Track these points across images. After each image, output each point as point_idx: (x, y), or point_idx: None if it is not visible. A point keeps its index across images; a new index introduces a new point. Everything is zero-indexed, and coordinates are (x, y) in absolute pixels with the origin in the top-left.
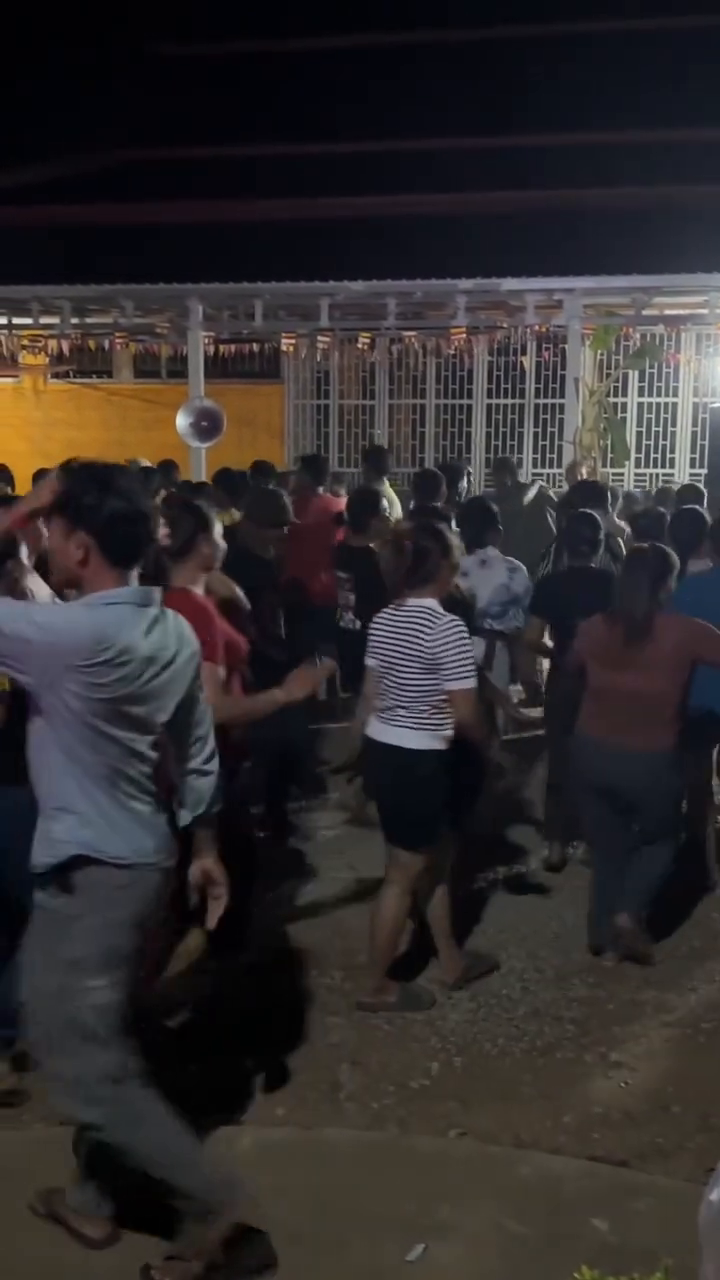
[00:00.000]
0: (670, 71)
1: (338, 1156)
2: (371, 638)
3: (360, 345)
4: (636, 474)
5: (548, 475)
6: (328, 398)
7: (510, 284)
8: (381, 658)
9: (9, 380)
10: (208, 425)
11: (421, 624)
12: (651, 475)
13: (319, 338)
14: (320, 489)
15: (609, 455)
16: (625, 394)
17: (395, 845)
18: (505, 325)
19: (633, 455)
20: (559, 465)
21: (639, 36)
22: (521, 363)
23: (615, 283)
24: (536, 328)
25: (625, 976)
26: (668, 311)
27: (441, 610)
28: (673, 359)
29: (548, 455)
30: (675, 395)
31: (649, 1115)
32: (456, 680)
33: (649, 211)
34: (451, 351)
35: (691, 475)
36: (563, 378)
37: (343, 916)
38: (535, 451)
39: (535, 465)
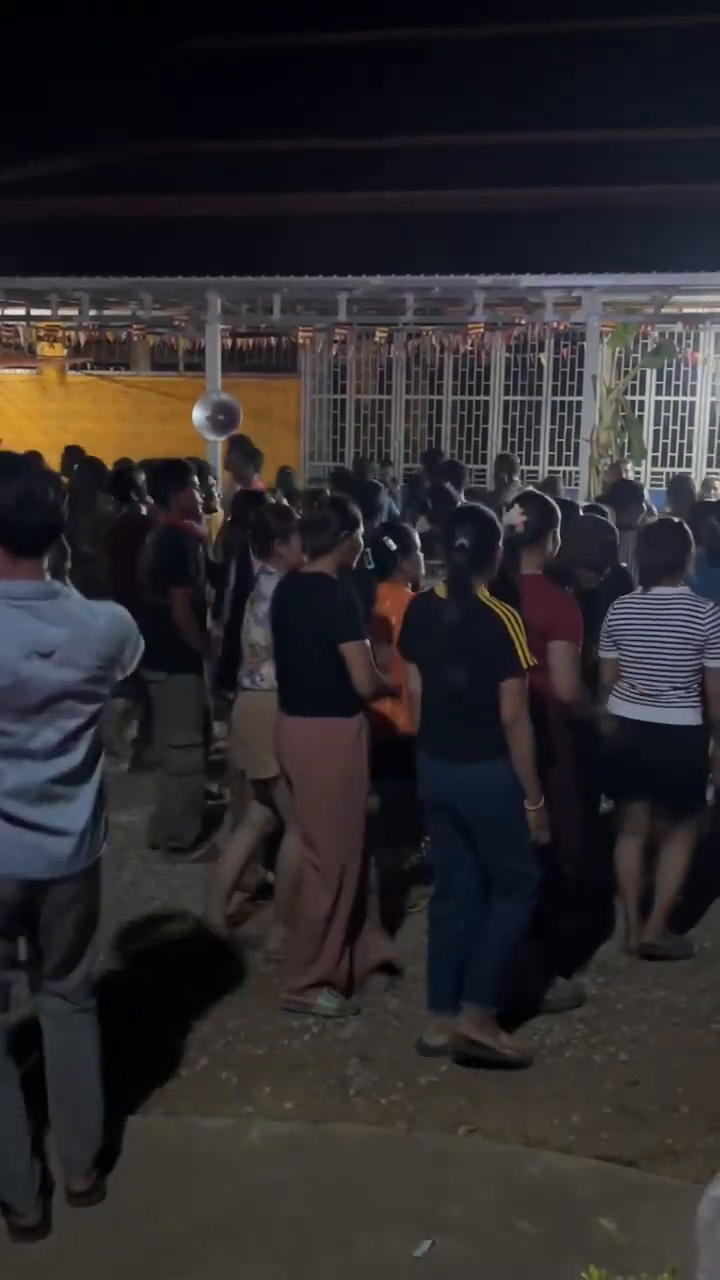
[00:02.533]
0: (693, 69)
1: (346, 1151)
2: (617, 625)
3: (377, 340)
4: (653, 472)
5: (564, 473)
6: (344, 392)
7: (529, 281)
8: (637, 643)
9: (27, 372)
10: (224, 419)
11: (690, 610)
12: (667, 474)
13: (336, 332)
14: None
15: (625, 453)
16: (643, 392)
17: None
18: (523, 322)
19: (649, 454)
20: (575, 463)
21: (663, 33)
22: (539, 360)
23: (635, 280)
24: (555, 325)
25: (636, 976)
26: (686, 310)
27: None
28: (691, 358)
29: (564, 453)
30: (693, 394)
31: (658, 1116)
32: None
33: (669, 209)
34: (469, 347)
35: (709, 474)
36: (580, 375)
37: None
38: (552, 449)
39: (551, 463)
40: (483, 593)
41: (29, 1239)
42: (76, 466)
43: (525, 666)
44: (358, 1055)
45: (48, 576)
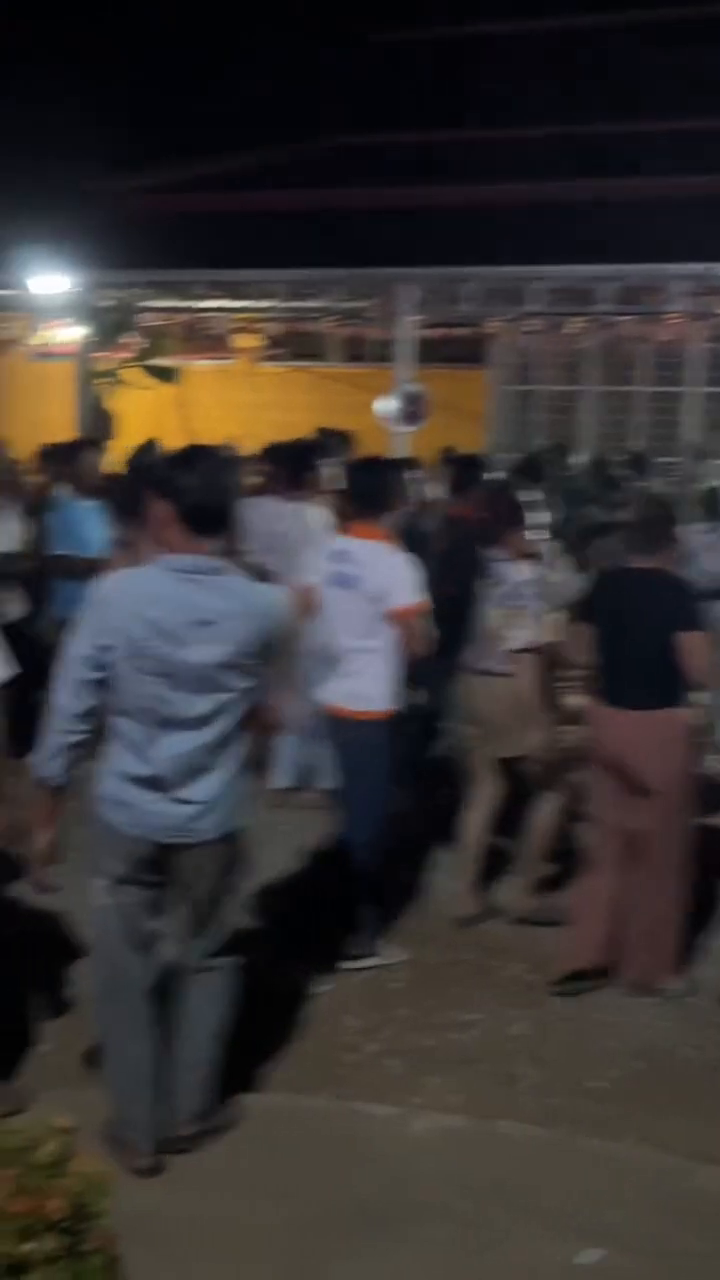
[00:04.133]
0: None
1: (510, 1150)
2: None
3: (569, 330)
4: None
5: None
6: (532, 383)
7: None
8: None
9: (222, 362)
10: (412, 410)
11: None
12: None
13: (527, 322)
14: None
15: None
16: None
17: None
18: None
19: None
20: None
21: None
22: None
23: None
24: None
25: None
26: None
27: None
28: None
29: None
30: None
31: None
32: None
33: None
34: (666, 338)
35: None
36: None
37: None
38: None
39: None
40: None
41: (140, 1176)
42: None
43: None
44: (526, 1054)
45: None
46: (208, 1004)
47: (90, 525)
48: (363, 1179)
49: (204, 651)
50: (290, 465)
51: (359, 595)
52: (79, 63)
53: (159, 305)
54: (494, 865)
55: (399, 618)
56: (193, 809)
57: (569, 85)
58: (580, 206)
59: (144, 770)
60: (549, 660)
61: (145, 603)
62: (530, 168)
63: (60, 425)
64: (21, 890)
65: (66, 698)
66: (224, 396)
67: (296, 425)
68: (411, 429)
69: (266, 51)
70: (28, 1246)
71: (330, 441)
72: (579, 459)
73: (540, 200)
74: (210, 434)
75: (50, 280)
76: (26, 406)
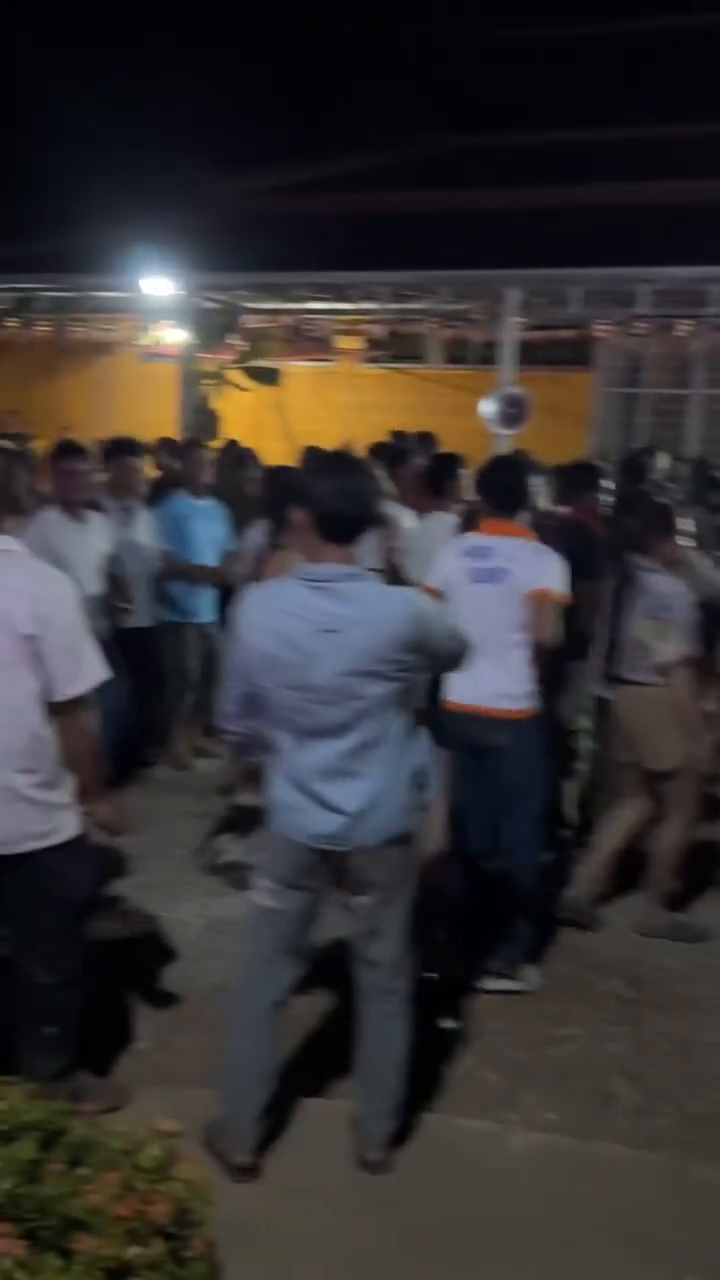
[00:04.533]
0: None
1: (608, 1172)
2: None
3: (679, 333)
4: None
5: None
6: (638, 386)
7: None
8: None
9: (324, 364)
10: (514, 412)
11: None
12: None
13: (635, 325)
14: None
15: None
16: None
17: None
18: None
19: None
20: None
21: None
22: None
23: None
24: None
25: None
26: None
27: None
28: None
29: None
30: None
31: None
32: None
33: None
34: None
35: None
36: None
37: (620, 922)
38: None
39: None
40: None
41: (237, 1177)
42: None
43: None
44: (623, 1073)
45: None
46: (390, 1030)
47: (205, 525)
48: (460, 1194)
49: (333, 661)
50: (432, 473)
51: (507, 589)
52: (193, 67)
53: (263, 307)
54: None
55: (536, 599)
56: (345, 817)
57: (683, 85)
58: (690, 208)
59: (295, 777)
60: (699, 671)
61: (278, 615)
62: (641, 169)
63: (164, 425)
64: (124, 888)
65: (228, 704)
66: (324, 398)
67: (396, 427)
68: (512, 431)
69: (379, 50)
70: (133, 1251)
71: (410, 444)
72: (674, 462)
73: (650, 201)
74: (309, 436)
75: (159, 282)
76: (132, 406)
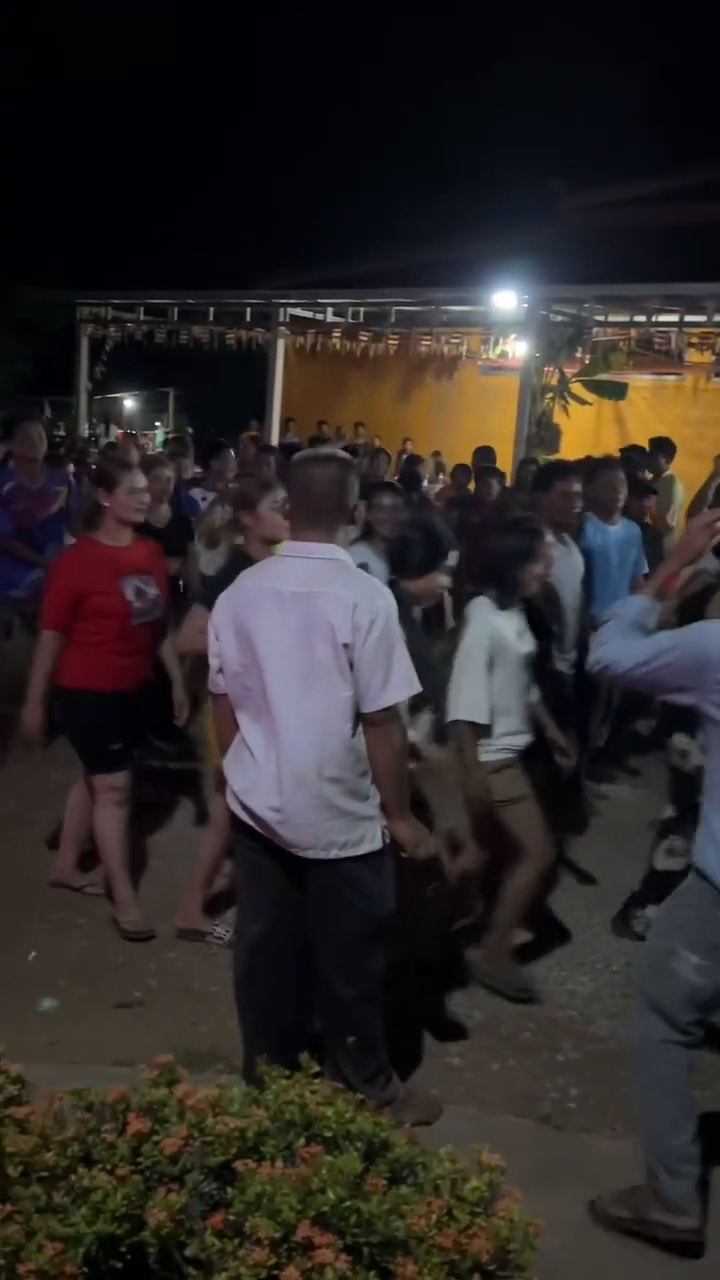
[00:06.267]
0: None
1: None
2: None
3: None
4: None
5: None
6: None
7: None
8: None
9: (672, 378)
10: None
11: None
12: None
13: None
14: None
15: None
16: None
17: None
18: None
19: None
20: None
21: None
22: None
23: None
24: None
25: None
26: None
27: None
28: None
29: None
30: None
31: None
32: None
33: None
34: None
35: None
36: None
37: None
38: None
39: None
40: None
41: (680, 1252)
42: None
43: None
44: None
45: None
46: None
47: (623, 555)
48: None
49: None
50: None
51: None
52: (546, 81)
53: (610, 320)
54: None
55: None
56: None
57: None
58: None
59: None
60: None
61: None
62: None
63: (503, 439)
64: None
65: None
66: (665, 412)
67: None
68: None
69: None
70: None
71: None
72: None
73: None
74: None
75: (506, 296)
76: (472, 420)
